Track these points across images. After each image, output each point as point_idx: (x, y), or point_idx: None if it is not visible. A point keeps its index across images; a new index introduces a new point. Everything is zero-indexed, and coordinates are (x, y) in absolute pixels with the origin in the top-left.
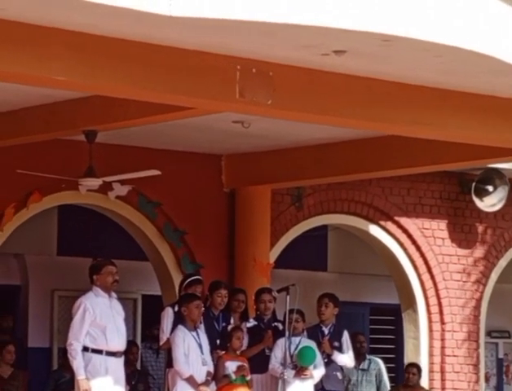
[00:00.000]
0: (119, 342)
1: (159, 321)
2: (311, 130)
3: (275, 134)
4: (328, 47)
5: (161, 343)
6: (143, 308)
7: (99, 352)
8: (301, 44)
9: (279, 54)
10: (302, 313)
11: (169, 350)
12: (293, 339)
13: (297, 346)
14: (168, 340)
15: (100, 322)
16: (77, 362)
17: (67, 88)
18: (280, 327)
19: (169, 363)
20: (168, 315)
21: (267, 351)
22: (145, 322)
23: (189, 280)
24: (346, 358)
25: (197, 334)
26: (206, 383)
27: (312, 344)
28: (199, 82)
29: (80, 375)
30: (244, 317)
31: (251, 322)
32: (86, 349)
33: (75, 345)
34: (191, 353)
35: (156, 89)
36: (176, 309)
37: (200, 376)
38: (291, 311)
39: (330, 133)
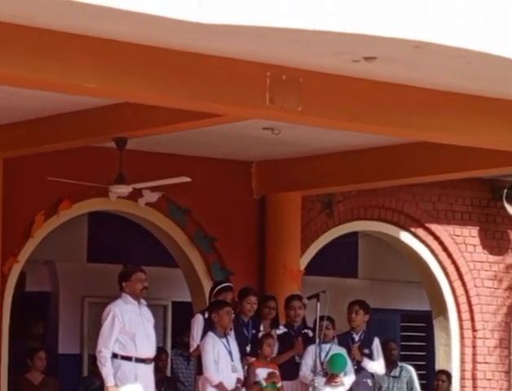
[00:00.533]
0: (148, 349)
1: (189, 328)
2: (341, 137)
3: (306, 141)
4: (358, 54)
5: (191, 350)
6: (173, 315)
7: (128, 359)
8: (331, 51)
9: (309, 61)
10: (332, 320)
11: (199, 357)
12: (323, 346)
13: (328, 353)
14: (198, 346)
15: (130, 329)
16: (107, 369)
17: (97, 95)
18: (310, 333)
19: (199, 370)
20: (198, 322)
21: (297, 358)
22: (175, 329)
23: (219, 287)
24: (376, 366)
25: (227, 341)
26: (236, 390)
27: (343, 351)
28: (229, 89)
29: (109, 382)
30: (275, 324)
31: (281, 329)
32: (115, 355)
33: (104, 352)
34: (221, 360)
35: (187, 96)
36: (206, 315)
37: (230, 383)
38: (321, 318)
39: (360, 139)
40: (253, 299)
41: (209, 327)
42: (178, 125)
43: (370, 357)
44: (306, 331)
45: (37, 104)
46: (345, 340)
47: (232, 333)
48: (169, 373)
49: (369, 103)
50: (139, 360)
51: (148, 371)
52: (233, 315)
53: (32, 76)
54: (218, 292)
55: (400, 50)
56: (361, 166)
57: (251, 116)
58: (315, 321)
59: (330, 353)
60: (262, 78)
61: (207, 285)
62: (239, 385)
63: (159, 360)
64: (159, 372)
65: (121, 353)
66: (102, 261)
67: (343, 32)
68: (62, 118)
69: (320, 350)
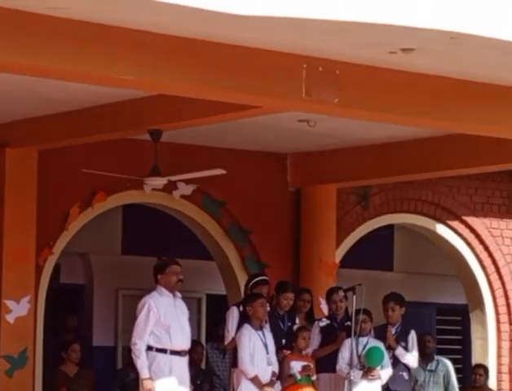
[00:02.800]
0: (183, 341)
1: (224, 320)
2: (377, 129)
3: (341, 133)
4: (395, 45)
5: (226, 342)
6: (208, 307)
7: (163, 351)
8: (368, 42)
9: (346, 53)
10: (369, 313)
11: (234, 350)
12: (360, 339)
13: (365, 347)
14: (233, 339)
15: (164, 321)
16: (141, 361)
17: (133, 87)
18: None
19: (234, 363)
20: (233, 314)
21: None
22: (209, 322)
23: (255, 280)
24: (409, 357)
25: (263, 333)
26: (271, 383)
27: (380, 344)
28: (265, 81)
29: (144, 375)
30: (310, 317)
31: (324, 321)
32: (150, 348)
33: (139, 345)
34: (256, 352)
35: (222, 88)
36: (241, 308)
37: (265, 376)
38: (358, 311)
39: (396, 131)
40: (290, 295)
41: (244, 320)
42: (214, 117)
43: (406, 349)
44: (349, 323)
45: (72, 96)
46: (381, 334)
47: (268, 326)
48: (203, 366)
49: (406, 95)
50: (174, 352)
51: (183, 363)
52: (268, 308)
53: (69, 69)
54: (253, 286)
55: (437, 42)
56: (397, 158)
57: (287, 108)
58: (351, 314)
59: (367, 347)
60: (299, 70)
61: (242, 278)
62: (274, 378)
63: (194, 353)
64: (194, 365)
65: (155, 345)
66: (136, 253)
67: (380, 23)
68: (97, 110)
69: (357, 343)
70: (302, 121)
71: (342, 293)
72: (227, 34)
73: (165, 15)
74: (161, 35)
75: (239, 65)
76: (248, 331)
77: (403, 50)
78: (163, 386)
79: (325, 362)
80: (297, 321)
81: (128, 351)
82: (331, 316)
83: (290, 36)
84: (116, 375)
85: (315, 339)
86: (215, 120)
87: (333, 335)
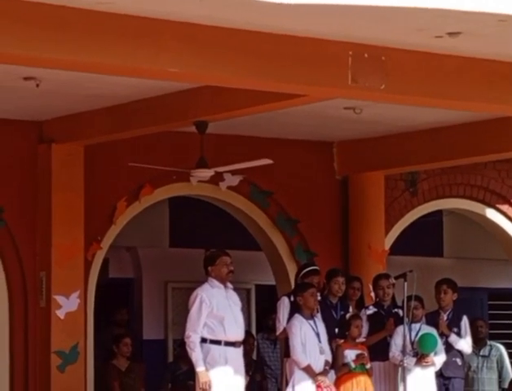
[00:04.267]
0: (237, 332)
1: (274, 311)
2: (423, 114)
3: (388, 119)
4: (442, 29)
5: (277, 333)
6: (257, 298)
7: (217, 343)
8: (414, 27)
9: (391, 39)
10: (421, 299)
11: (285, 340)
12: (413, 326)
13: (418, 333)
14: (284, 329)
15: (217, 313)
16: (196, 353)
17: (180, 80)
18: (401, 313)
19: (287, 353)
20: (284, 305)
21: (388, 338)
22: (259, 313)
23: (306, 270)
24: (463, 343)
25: (314, 323)
26: (324, 372)
27: (433, 330)
28: (311, 69)
29: (199, 367)
30: (360, 304)
31: (371, 309)
32: (204, 340)
33: (193, 337)
34: (308, 342)
35: (269, 77)
36: (292, 298)
37: (318, 365)
38: (409, 298)
39: (443, 116)
40: (340, 279)
41: (295, 309)
42: (260, 107)
43: (458, 335)
44: (396, 310)
45: (117, 91)
46: (433, 320)
47: (319, 315)
48: (255, 357)
49: (453, 79)
50: (229, 343)
51: (238, 354)
52: (319, 297)
53: (116, 63)
54: (304, 276)
55: (484, 25)
56: (445, 143)
57: (333, 96)
58: (403, 301)
59: (420, 333)
60: (344, 57)
61: (291, 268)
62: (327, 367)
63: (245, 344)
64: (245, 356)
65: (210, 337)
66: (184, 246)
67: (426, 7)
68: (142, 104)
69: (410, 330)
70: (348, 109)
71: (392, 280)
72: (272, 24)
73: (210, 7)
74: (206, 26)
75: (284, 54)
76: (299, 321)
77: (450, 34)
78: (218, 377)
79: (376, 351)
80: (350, 309)
81: (178, 344)
82: (378, 304)
83: (336, 23)
84: (168, 368)
85: (363, 327)
86: (261, 110)
87: (381, 322)
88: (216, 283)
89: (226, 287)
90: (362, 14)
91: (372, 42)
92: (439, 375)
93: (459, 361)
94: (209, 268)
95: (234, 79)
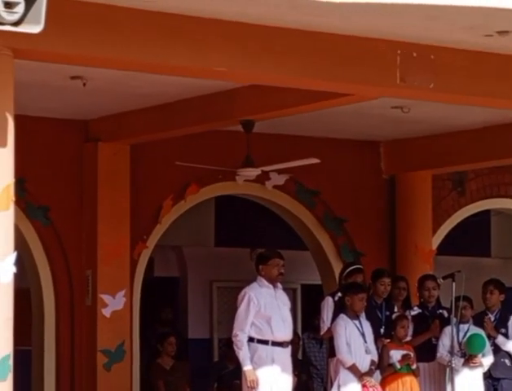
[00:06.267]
0: (285, 332)
1: (319, 311)
2: (472, 113)
3: (435, 119)
4: (491, 28)
5: (321, 332)
6: (303, 297)
7: (264, 342)
8: (464, 26)
9: (440, 37)
10: (469, 300)
11: (330, 339)
12: (461, 326)
13: (466, 334)
14: (329, 329)
15: (265, 312)
16: (243, 352)
17: (227, 79)
18: (446, 314)
19: (332, 353)
20: (328, 305)
21: (433, 340)
22: (305, 312)
23: (349, 269)
24: (511, 345)
25: (360, 322)
26: (370, 372)
27: (481, 331)
28: (359, 68)
29: (246, 366)
30: (406, 305)
31: (415, 310)
32: (251, 339)
33: (240, 336)
34: (353, 341)
35: (317, 76)
36: (336, 298)
37: (364, 365)
38: (458, 298)
39: (491, 115)
40: (386, 280)
41: (339, 309)
42: (306, 106)
43: (506, 336)
44: (441, 311)
45: (163, 90)
46: (480, 320)
47: (364, 314)
48: (301, 356)
49: (503, 78)
50: (276, 344)
51: (286, 354)
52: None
53: (163, 62)
54: (348, 275)
55: None
56: (493, 142)
57: (381, 95)
58: (452, 301)
59: (468, 334)
60: (393, 56)
61: (337, 267)
62: (373, 367)
63: (292, 343)
64: (291, 356)
65: (257, 336)
66: (229, 245)
67: (476, 5)
68: (188, 103)
69: (458, 331)
70: (395, 108)
71: (441, 281)
72: (320, 22)
73: (256, 5)
74: (253, 25)
75: (332, 53)
76: (343, 321)
77: (499, 32)
78: (266, 377)
79: (421, 352)
80: (396, 309)
81: (224, 343)
82: (422, 305)
83: (384, 22)
84: (213, 367)
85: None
86: (308, 109)
87: (425, 323)
88: (265, 282)
89: (275, 287)
90: (411, 12)
91: (420, 41)
92: (488, 376)
93: (508, 362)
94: (261, 266)
95: (281, 78)
